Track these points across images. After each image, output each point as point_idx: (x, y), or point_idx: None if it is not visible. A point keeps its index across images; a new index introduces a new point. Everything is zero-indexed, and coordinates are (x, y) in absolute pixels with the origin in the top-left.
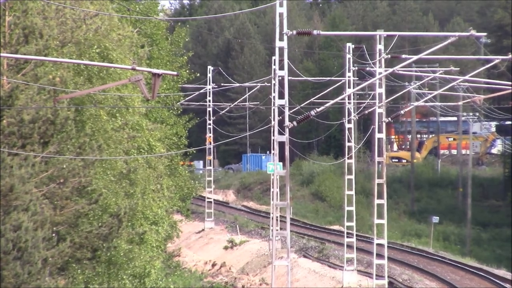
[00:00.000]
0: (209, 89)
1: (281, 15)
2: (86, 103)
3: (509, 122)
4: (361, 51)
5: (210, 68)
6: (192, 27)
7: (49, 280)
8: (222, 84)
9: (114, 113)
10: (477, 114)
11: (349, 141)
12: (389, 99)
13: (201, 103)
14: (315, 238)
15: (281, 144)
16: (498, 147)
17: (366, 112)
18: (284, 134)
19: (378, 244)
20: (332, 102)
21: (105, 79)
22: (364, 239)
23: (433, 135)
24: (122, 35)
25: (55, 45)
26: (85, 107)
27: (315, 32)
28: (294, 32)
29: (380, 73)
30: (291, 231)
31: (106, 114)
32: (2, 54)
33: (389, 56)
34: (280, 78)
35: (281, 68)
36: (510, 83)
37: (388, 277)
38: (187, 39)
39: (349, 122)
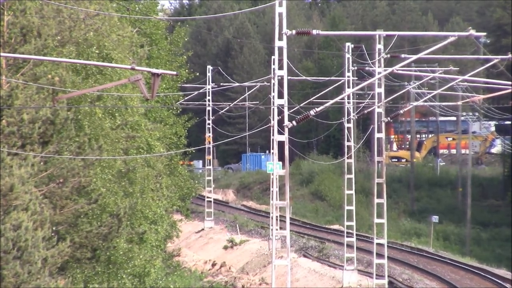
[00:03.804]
0: (209, 88)
1: (280, 15)
2: (82, 102)
3: (508, 122)
4: (360, 51)
5: (209, 67)
6: (192, 26)
7: (49, 280)
8: (221, 83)
9: (113, 112)
10: (477, 113)
11: (348, 140)
12: (388, 99)
13: (200, 102)
14: (315, 238)
15: (281, 144)
16: (497, 147)
17: (366, 111)
18: (283, 134)
19: (378, 244)
20: (331, 101)
21: (105, 76)
22: (364, 239)
23: (432, 134)
24: (122, 35)
25: (54, 44)
26: (84, 107)
27: (314, 31)
28: (294, 32)
29: (379, 73)
30: (291, 230)
31: (101, 112)
32: (1, 54)
33: (388, 55)
34: (280, 77)
35: (281, 67)
36: (509, 82)
37: (388, 276)
38: (186, 39)
39: (348, 121)
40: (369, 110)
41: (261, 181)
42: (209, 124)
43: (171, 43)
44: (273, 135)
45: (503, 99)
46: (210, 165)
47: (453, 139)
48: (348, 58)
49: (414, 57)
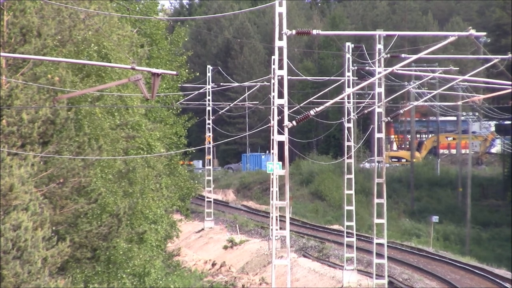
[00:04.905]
0: (209, 88)
1: (280, 14)
2: (82, 102)
3: (508, 122)
4: (360, 51)
5: (209, 67)
6: (192, 26)
7: (49, 280)
8: (221, 83)
9: (113, 112)
10: (477, 113)
11: (348, 140)
12: (388, 99)
13: (200, 102)
14: (315, 238)
15: (281, 144)
16: (497, 147)
17: (366, 111)
18: (283, 134)
19: (378, 244)
20: (331, 101)
21: (104, 77)
22: (364, 239)
23: (432, 134)
24: (122, 35)
25: (54, 44)
26: (84, 107)
27: (314, 31)
28: (294, 31)
29: (379, 73)
30: (290, 230)
31: (101, 112)
32: (1, 54)
33: (388, 55)
34: (280, 77)
35: (281, 67)
36: (509, 82)
37: (388, 276)
38: (186, 39)
39: (348, 121)
40: (369, 110)
41: (261, 181)
42: (209, 124)
43: (171, 43)
44: (273, 135)
45: (503, 99)
46: (210, 165)
47: (453, 139)
48: (348, 58)
49: (414, 57)
